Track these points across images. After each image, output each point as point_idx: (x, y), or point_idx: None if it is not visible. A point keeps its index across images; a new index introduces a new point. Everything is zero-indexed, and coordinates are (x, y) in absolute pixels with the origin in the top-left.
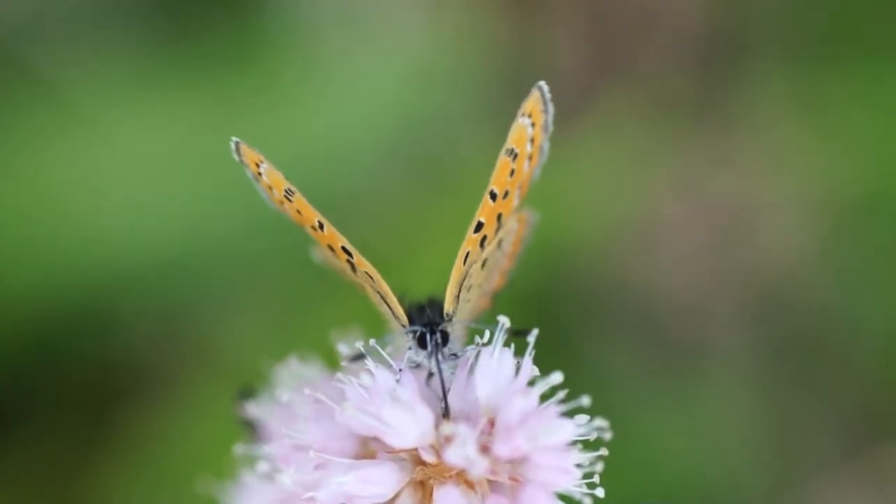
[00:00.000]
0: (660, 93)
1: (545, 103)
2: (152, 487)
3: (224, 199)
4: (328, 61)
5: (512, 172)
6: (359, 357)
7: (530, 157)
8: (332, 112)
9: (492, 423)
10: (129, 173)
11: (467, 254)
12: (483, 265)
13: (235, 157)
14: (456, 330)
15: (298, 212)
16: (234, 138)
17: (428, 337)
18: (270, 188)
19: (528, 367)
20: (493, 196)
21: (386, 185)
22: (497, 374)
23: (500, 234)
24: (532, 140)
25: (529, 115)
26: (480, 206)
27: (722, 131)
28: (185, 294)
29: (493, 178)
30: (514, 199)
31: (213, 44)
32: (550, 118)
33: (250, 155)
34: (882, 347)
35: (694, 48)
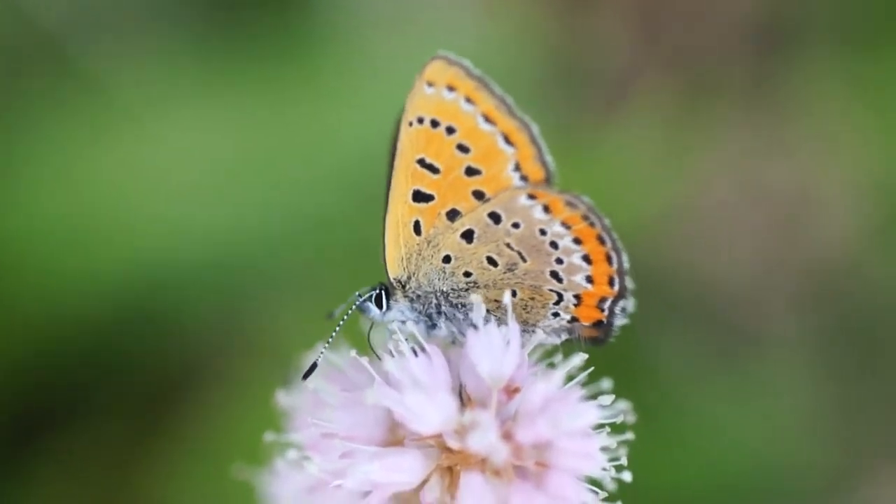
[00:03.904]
0: (713, 77)
1: (484, 84)
2: (206, 481)
3: (275, 193)
4: (374, 55)
5: (464, 149)
6: (311, 369)
7: (507, 137)
8: (379, 107)
9: (507, 392)
10: (179, 170)
11: (417, 222)
12: (472, 239)
13: None
14: (410, 294)
15: None
16: None
17: (372, 295)
18: None
19: (517, 330)
20: (430, 168)
21: None
22: (489, 346)
23: (495, 206)
24: (490, 119)
25: (454, 89)
26: (407, 175)
27: (776, 115)
28: (239, 291)
29: (412, 147)
30: (506, 176)
31: (261, 38)
32: (506, 102)
33: None
34: None
35: (747, 32)
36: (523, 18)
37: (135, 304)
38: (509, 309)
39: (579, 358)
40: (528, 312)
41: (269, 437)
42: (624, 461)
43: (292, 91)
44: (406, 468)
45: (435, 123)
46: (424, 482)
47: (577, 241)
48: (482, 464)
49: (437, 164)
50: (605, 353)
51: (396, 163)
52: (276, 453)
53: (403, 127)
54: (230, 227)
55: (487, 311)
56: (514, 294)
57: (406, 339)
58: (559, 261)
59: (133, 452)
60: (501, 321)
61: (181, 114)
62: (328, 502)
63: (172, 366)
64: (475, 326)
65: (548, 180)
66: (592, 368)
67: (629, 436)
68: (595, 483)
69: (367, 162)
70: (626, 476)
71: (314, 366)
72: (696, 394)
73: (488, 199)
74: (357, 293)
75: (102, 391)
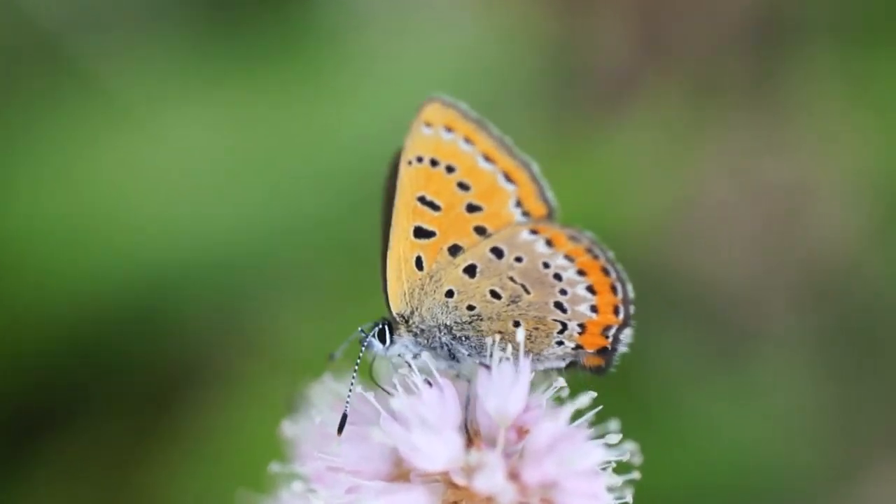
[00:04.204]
0: (711, 76)
1: (482, 126)
2: (208, 481)
3: (274, 192)
4: (374, 54)
5: (464, 186)
6: (343, 422)
7: (507, 175)
8: (379, 105)
9: (517, 432)
10: (178, 170)
11: (418, 258)
12: (475, 274)
13: None
14: (414, 329)
15: None
16: None
17: (375, 331)
18: None
19: (527, 369)
20: (431, 205)
21: None
22: (498, 383)
23: (498, 242)
24: (490, 158)
25: (452, 130)
26: (408, 212)
27: (776, 114)
28: (238, 290)
29: (412, 185)
30: (508, 213)
31: (261, 37)
32: (504, 142)
33: None
34: None
35: (747, 31)
36: (522, 18)
37: (134, 304)
38: (521, 348)
39: (587, 397)
40: (532, 342)
41: (274, 468)
42: (629, 500)
43: (292, 90)
44: None
45: (434, 162)
46: None
47: (581, 272)
48: (488, 502)
49: (437, 202)
50: None
51: (397, 201)
52: (280, 483)
53: (403, 165)
54: (230, 227)
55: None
56: (517, 325)
57: (416, 372)
58: (563, 292)
59: (133, 452)
60: (507, 351)
61: (180, 113)
62: None
63: (172, 365)
64: (486, 366)
65: (550, 216)
66: (601, 407)
67: (635, 475)
68: None
69: (367, 161)
70: None
71: (345, 417)
72: (696, 393)
73: (490, 235)
74: (360, 328)
75: (102, 391)
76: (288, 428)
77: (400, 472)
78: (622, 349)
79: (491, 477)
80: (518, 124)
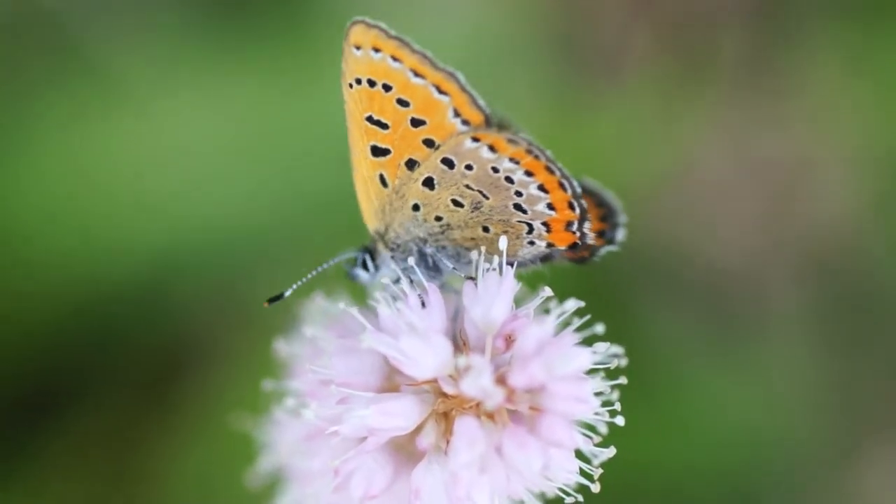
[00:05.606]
0: (709, 49)
1: (404, 43)
2: (210, 458)
3: (277, 173)
4: None
5: (404, 103)
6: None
7: (438, 88)
8: None
9: (505, 340)
10: (181, 150)
11: (381, 175)
12: (433, 186)
13: None
14: (391, 245)
15: None
16: None
17: (357, 260)
18: None
19: (510, 277)
20: (379, 124)
21: None
22: (483, 292)
23: (446, 152)
24: (418, 73)
25: (379, 49)
26: (361, 133)
27: (774, 88)
28: (241, 271)
29: (357, 107)
30: (450, 123)
31: (265, 18)
32: (427, 56)
33: None
34: None
35: (743, 5)
36: None
37: (137, 284)
38: (503, 255)
39: (573, 302)
40: None
41: (267, 385)
42: (617, 406)
43: (294, 72)
44: (401, 413)
45: (371, 83)
46: (420, 428)
47: (528, 173)
48: (477, 408)
49: (384, 120)
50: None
51: (349, 124)
52: (274, 403)
53: (344, 89)
54: (232, 208)
55: (468, 249)
56: (486, 230)
57: (405, 281)
58: (518, 193)
59: (136, 431)
60: (492, 262)
61: (183, 95)
62: (325, 450)
63: (174, 344)
64: (472, 278)
65: (488, 122)
66: (588, 316)
67: (623, 380)
68: (589, 428)
69: None
70: (620, 421)
71: (280, 295)
72: (696, 371)
73: (438, 147)
74: (344, 264)
75: (105, 371)
76: (281, 347)
77: (390, 385)
78: (590, 241)
79: (478, 379)
80: (517, 95)
